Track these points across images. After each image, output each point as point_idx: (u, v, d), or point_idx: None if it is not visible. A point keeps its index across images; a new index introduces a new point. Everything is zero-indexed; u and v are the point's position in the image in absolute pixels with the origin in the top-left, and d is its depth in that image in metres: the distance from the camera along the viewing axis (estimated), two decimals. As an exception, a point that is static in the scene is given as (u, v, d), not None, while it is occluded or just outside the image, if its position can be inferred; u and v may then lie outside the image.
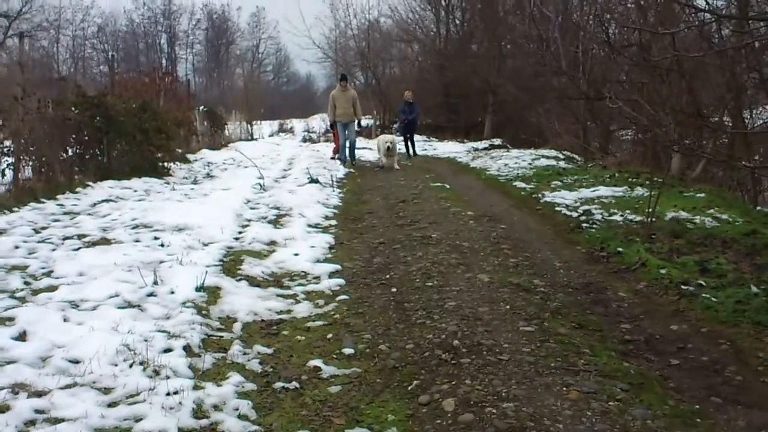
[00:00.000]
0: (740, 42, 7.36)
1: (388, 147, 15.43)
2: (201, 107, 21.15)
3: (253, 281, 6.15)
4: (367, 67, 40.45)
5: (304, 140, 37.74)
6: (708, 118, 10.46)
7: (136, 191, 10.84)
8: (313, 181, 12.67)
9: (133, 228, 7.73)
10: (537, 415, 3.56)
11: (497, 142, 26.10)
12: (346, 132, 16.38)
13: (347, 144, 16.67)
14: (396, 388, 4.06)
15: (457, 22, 35.38)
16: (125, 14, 70.74)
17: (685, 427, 3.49)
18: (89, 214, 8.63)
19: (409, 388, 4.03)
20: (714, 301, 5.49)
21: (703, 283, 5.93)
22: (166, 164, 13.87)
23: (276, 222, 8.80)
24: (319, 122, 44.92)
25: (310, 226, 8.64)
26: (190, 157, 17.32)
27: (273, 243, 7.59)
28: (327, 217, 9.35)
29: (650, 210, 7.80)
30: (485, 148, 23.98)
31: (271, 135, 41.03)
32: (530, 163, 16.18)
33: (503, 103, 28.52)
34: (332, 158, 18.14)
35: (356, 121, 16.55)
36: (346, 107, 16.05)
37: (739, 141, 9.50)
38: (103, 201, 9.65)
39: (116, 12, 70.52)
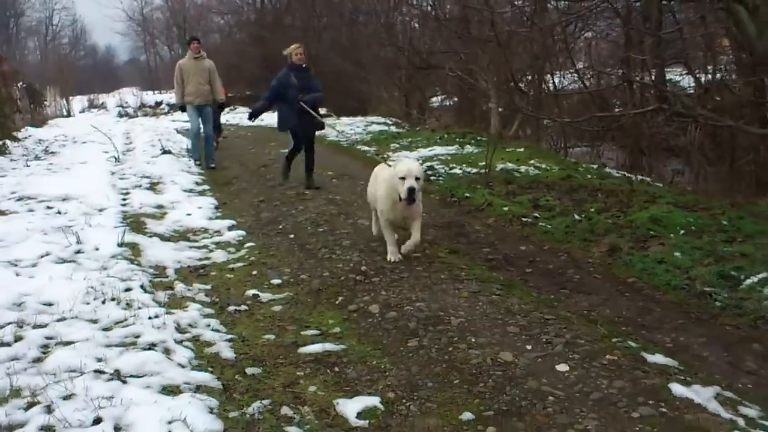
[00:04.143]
0: (556, 20, 8.96)
1: (409, 190, 5.46)
2: (20, 83, 20.02)
3: (162, 237, 6.76)
4: (182, 38, 39.76)
5: (121, 115, 36.37)
6: (521, 83, 12.27)
7: (-14, 168, 10.62)
8: (166, 152, 12.97)
9: (18, 200, 7.89)
10: (443, 308, 4.72)
11: (323, 111, 27.00)
12: (200, 119, 11.35)
13: (202, 136, 11.63)
14: (326, 303, 5.03)
15: (272, -7, 35.78)
16: None
17: (548, 308, 4.79)
18: (-43, 191, 8.55)
19: (337, 302, 5.03)
20: (549, 227, 7.02)
21: (538, 215, 7.47)
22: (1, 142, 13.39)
23: (153, 189, 9.25)
24: (131, 97, 43.36)
25: (185, 191, 9.20)
26: (17, 135, 16.57)
27: (161, 207, 8.13)
28: (198, 183, 9.91)
29: (487, 162, 9.29)
30: (313, 118, 24.90)
31: (82, 111, 38.87)
32: (364, 129, 17.43)
33: (326, 73, 29.57)
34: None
35: (216, 103, 11.76)
36: (200, 83, 11.09)
37: (549, 101, 11.35)
38: (-39, 178, 9.48)
39: None
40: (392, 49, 19.60)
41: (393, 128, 17.89)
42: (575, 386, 3.53)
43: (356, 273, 5.55)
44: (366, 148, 13.85)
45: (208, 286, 5.39)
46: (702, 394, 3.43)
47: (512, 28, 9.74)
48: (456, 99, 20.03)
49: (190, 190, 9.31)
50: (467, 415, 3.29)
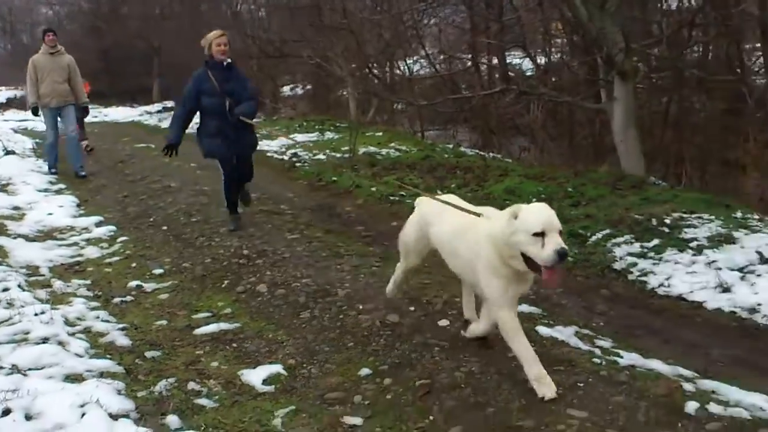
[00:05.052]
0: (406, 8, 9.44)
1: (561, 253, 3.08)
2: None
3: (27, 238, 6.55)
4: (7, 31, 37.04)
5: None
6: (375, 69, 12.74)
7: None
8: (10, 152, 12.22)
9: None
10: (329, 282, 5.01)
11: (170, 104, 26.20)
12: (59, 124, 9.82)
13: (62, 139, 10.04)
14: (212, 287, 5.16)
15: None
16: None
17: (425, 275, 5.14)
18: None
19: (223, 285, 5.18)
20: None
21: (404, 193, 7.89)
22: None
23: (5, 190, 8.77)
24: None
25: (40, 191, 8.84)
26: None
27: (18, 208, 7.79)
28: (52, 183, 9.50)
29: (351, 147, 9.66)
30: (159, 111, 24.29)
31: None
32: (220, 121, 17.21)
33: (172, 65, 28.66)
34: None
35: (77, 104, 9.99)
36: (57, 81, 9.53)
37: (403, 86, 11.89)
38: None
39: None
40: (241, 37, 19.42)
41: (249, 118, 17.82)
42: (456, 337, 3.94)
43: (239, 257, 5.70)
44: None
45: (88, 281, 5.34)
46: (564, 333, 3.98)
47: (364, 16, 10.10)
48: (309, 87, 20.24)
49: (46, 190, 8.94)
50: (365, 371, 3.60)
